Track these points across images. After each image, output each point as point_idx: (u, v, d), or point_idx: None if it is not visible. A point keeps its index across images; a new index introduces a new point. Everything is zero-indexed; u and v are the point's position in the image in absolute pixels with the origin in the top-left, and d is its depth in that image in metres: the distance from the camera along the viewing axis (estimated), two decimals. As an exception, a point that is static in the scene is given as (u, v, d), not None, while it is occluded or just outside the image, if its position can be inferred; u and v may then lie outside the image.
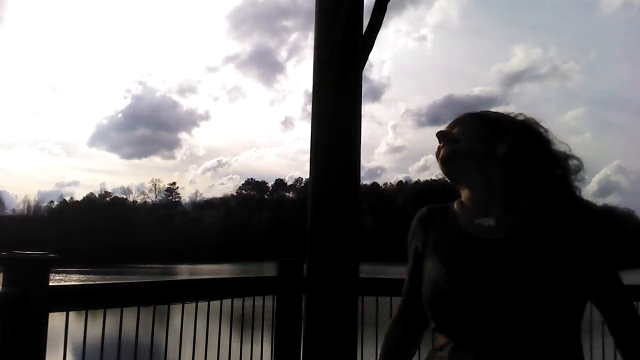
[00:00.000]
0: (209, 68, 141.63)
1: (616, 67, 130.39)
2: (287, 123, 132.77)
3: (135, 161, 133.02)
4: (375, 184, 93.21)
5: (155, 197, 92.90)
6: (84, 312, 2.13)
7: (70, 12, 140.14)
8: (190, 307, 2.53)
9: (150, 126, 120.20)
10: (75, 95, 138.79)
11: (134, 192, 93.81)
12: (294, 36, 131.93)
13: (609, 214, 1.18)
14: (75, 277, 34.85)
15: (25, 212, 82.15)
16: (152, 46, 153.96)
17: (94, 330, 2.15)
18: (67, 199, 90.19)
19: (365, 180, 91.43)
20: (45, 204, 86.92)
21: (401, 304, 1.39)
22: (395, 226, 67.25)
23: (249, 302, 2.82)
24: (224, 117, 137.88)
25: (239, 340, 2.76)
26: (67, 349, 2.17)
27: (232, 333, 2.81)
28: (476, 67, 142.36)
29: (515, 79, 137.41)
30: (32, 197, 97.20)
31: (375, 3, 3.33)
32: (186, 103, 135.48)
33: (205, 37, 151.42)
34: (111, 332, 2.24)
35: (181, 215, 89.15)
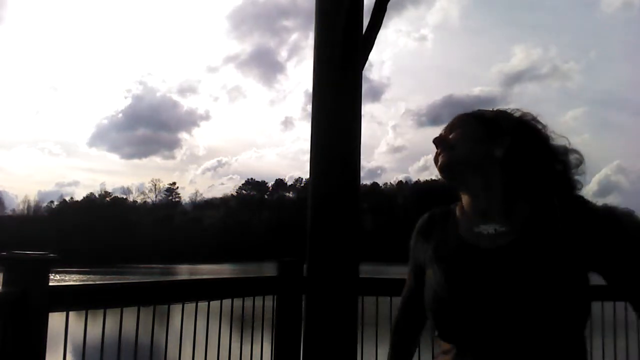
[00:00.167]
0: (209, 68, 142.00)
1: (616, 67, 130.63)
2: (287, 123, 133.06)
3: (135, 161, 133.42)
4: (375, 184, 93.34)
5: (155, 197, 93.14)
6: (84, 312, 2.13)
7: (70, 12, 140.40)
8: (190, 307, 2.53)
9: (150, 126, 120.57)
10: (75, 95, 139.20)
11: (134, 192, 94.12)
12: (294, 36, 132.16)
13: (609, 213, 1.14)
14: (75, 277, 34.85)
15: (25, 212, 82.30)
16: (153, 46, 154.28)
17: (94, 330, 2.15)
18: (67, 199, 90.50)
19: (365, 180, 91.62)
20: (45, 204, 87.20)
21: (403, 298, 1.46)
22: (395, 226, 67.27)
23: (249, 302, 2.82)
24: (224, 117, 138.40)
25: (239, 340, 2.76)
26: (67, 349, 2.17)
27: (232, 333, 2.81)
28: (476, 67, 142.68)
29: (515, 79, 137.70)
30: (32, 197, 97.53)
31: (375, 3, 3.33)
32: (186, 103, 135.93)
33: (206, 37, 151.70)
34: (111, 332, 2.24)
35: (181, 215, 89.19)
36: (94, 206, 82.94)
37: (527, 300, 1.07)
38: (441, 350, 1.21)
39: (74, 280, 28.13)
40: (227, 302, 2.71)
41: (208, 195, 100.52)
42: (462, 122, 1.28)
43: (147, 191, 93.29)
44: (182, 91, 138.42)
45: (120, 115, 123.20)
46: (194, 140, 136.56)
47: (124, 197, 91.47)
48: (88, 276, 38.35)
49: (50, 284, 2.00)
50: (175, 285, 2.92)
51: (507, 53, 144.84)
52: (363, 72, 3.42)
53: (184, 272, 51.32)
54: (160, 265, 58.33)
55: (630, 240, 1.11)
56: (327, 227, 3.16)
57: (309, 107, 3.39)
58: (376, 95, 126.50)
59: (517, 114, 1.27)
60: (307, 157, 3.35)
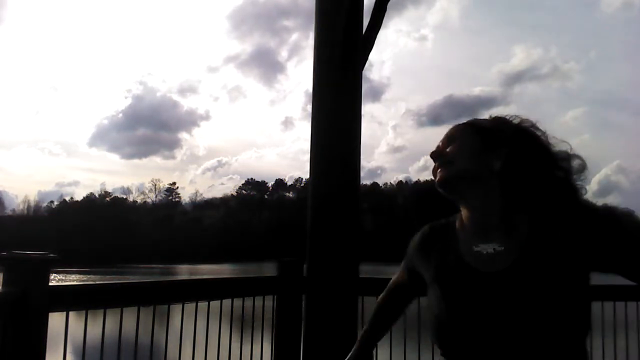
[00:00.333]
0: (210, 68, 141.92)
1: (616, 67, 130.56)
2: (287, 123, 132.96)
3: (136, 161, 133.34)
4: (375, 184, 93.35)
5: (155, 197, 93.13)
6: (84, 312, 2.13)
7: (70, 12, 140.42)
8: (190, 307, 2.53)
9: (150, 126, 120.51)
10: (75, 95, 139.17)
11: (134, 192, 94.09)
12: (294, 36, 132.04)
13: (609, 213, 1.13)
14: (75, 277, 34.85)
15: (25, 212, 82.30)
16: (153, 46, 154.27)
17: (94, 330, 2.16)
18: (67, 199, 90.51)
19: (365, 180, 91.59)
20: (45, 204, 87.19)
21: (393, 284, 1.52)
22: (395, 226, 67.26)
23: (249, 302, 2.82)
24: (224, 117, 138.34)
25: (239, 340, 2.76)
26: (67, 349, 2.17)
27: (232, 333, 2.81)
28: (476, 67, 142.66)
29: (515, 79, 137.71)
30: (32, 197, 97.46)
31: (375, 3, 3.33)
32: (186, 103, 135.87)
33: (206, 37, 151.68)
34: (111, 332, 2.24)
35: (181, 215, 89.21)
36: (94, 206, 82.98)
37: (528, 324, 1.06)
38: None
39: (74, 280, 28.14)
40: (227, 302, 2.71)
41: (208, 195, 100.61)
42: (459, 134, 1.26)
43: (147, 191, 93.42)
44: (183, 91, 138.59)
45: (121, 115, 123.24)
46: (194, 140, 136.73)
47: (124, 197, 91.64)
48: (88, 276, 38.36)
49: (50, 284, 2.01)
50: (175, 285, 2.92)
51: (508, 53, 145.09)
52: (363, 72, 3.42)
53: (184, 272, 51.33)
54: (160, 265, 58.34)
55: (631, 241, 1.10)
56: (327, 227, 3.16)
57: (309, 107, 3.39)
58: (376, 95, 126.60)
59: (515, 121, 1.25)
60: (307, 157, 3.35)
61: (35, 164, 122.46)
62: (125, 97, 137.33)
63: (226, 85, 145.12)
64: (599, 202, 1.17)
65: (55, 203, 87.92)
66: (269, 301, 2.93)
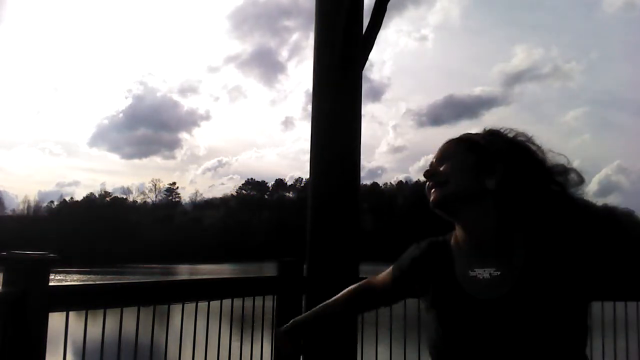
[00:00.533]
0: (210, 68, 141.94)
1: (617, 67, 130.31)
2: (287, 123, 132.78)
3: (136, 161, 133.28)
4: (375, 184, 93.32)
5: (155, 197, 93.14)
6: (84, 312, 2.13)
7: (70, 12, 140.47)
8: (190, 307, 2.53)
9: (151, 126, 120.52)
10: (76, 95, 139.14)
11: (134, 192, 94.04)
12: (295, 36, 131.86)
13: (609, 214, 1.11)
14: (75, 277, 34.86)
15: (25, 212, 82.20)
16: (153, 46, 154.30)
17: (94, 330, 2.15)
18: (67, 199, 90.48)
19: (365, 180, 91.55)
20: (45, 204, 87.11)
21: (371, 282, 1.50)
22: (395, 226, 67.27)
23: (249, 302, 2.82)
24: (224, 117, 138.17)
25: (239, 340, 2.76)
26: (67, 349, 2.18)
27: (232, 333, 2.81)
28: (477, 67, 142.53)
29: (516, 79, 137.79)
30: (32, 197, 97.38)
31: (375, 3, 3.33)
32: (187, 103, 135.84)
33: (207, 37, 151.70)
34: (111, 332, 2.24)
35: (181, 215, 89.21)
36: (94, 206, 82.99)
37: (525, 353, 1.06)
38: None
39: (74, 280, 28.15)
40: (227, 302, 2.71)
41: (208, 195, 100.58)
42: (453, 152, 1.23)
43: (147, 191, 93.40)
44: (183, 91, 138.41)
45: (121, 115, 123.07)
46: (195, 140, 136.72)
47: (124, 197, 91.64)
48: (88, 276, 38.38)
49: (50, 284, 2.01)
50: (175, 285, 2.92)
51: (508, 53, 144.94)
52: (363, 72, 3.42)
53: (184, 272, 51.34)
54: (160, 265, 58.33)
55: (632, 241, 1.09)
56: (327, 227, 3.16)
57: (310, 107, 3.39)
58: (377, 95, 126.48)
59: (510, 135, 1.22)
60: (307, 157, 3.35)
61: (36, 164, 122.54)
62: (126, 97, 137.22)
63: (226, 85, 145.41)
64: (599, 202, 1.15)
65: (56, 203, 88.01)
66: (269, 301, 2.92)
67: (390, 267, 1.43)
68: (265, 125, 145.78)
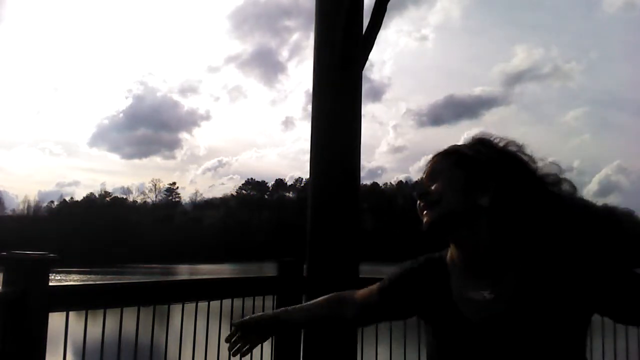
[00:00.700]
0: (210, 68, 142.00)
1: (617, 67, 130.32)
2: (287, 123, 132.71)
3: (136, 161, 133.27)
4: (375, 184, 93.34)
5: (155, 197, 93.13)
6: (84, 312, 2.13)
7: (70, 12, 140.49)
8: (190, 307, 2.53)
9: (151, 126, 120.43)
10: (76, 95, 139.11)
11: (134, 192, 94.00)
12: (295, 36, 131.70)
13: (609, 214, 1.09)
14: (75, 277, 34.87)
15: (25, 212, 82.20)
16: (154, 46, 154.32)
17: (94, 330, 2.16)
18: (67, 199, 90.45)
19: (365, 180, 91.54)
20: (45, 204, 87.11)
21: (354, 296, 1.49)
22: (395, 226, 67.28)
23: (249, 302, 2.82)
24: (224, 117, 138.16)
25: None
26: (67, 349, 2.18)
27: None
28: (477, 67, 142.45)
29: (516, 78, 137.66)
30: (32, 197, 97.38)
31: (375, 3, 3.33)
32: (187, 103, 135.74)
33: (207, 37, 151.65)
34: (111, 332, 2.25)
35: (181, 215, 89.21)
36: (94, 206, 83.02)
37: None
38: None
39: (74, 280, 28.15)
40: (227, 302, 2.71)
41: (208, 195, 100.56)
42: (443, 169, 1.19)
43: (147, 191, 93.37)
44: (183, 91, 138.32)
45: (121, 115, 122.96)
46: (195, 140, 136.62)
47: (124, 197, 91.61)
48: (88, 276, 38.38)
49: (50, 284, 2.01)
50: (175, 285, 2.92)
51: (508, 53, 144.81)
52: (363, 72, 3.42)
53: (184, 272, 51.36)
54: (160, 265, 58.36)
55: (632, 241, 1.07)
56: (327, 227, 3.16)
57: (310, 107, 3.39)
58: (377, 95, 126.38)
59: (500, 144, 1.18)
60: (307, 157, 3.35)
61: (36, 164, 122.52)
62: (126, 97, 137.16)
63: (227, 85, 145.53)
64: (599, 202, 1.14)
65: (56, 203, 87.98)
66: (269, 301, 2.92)
67: (375, 284, 1.42)
68: (265, 125, 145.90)
